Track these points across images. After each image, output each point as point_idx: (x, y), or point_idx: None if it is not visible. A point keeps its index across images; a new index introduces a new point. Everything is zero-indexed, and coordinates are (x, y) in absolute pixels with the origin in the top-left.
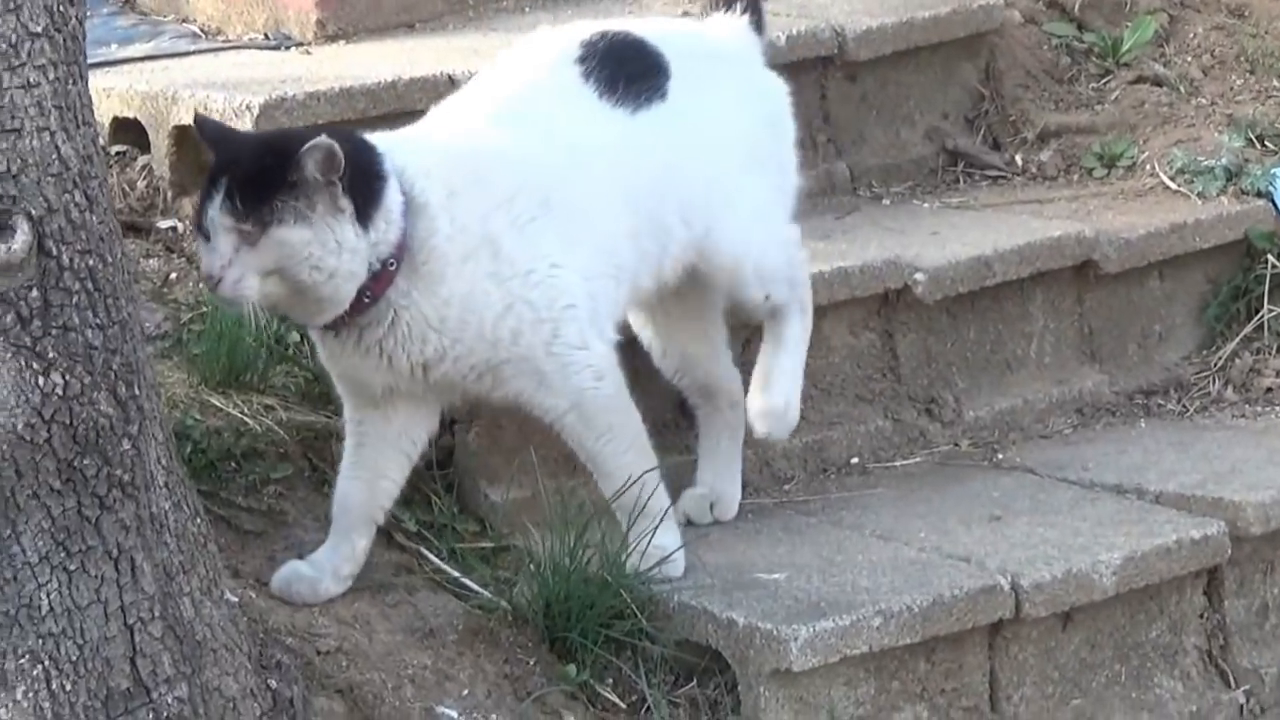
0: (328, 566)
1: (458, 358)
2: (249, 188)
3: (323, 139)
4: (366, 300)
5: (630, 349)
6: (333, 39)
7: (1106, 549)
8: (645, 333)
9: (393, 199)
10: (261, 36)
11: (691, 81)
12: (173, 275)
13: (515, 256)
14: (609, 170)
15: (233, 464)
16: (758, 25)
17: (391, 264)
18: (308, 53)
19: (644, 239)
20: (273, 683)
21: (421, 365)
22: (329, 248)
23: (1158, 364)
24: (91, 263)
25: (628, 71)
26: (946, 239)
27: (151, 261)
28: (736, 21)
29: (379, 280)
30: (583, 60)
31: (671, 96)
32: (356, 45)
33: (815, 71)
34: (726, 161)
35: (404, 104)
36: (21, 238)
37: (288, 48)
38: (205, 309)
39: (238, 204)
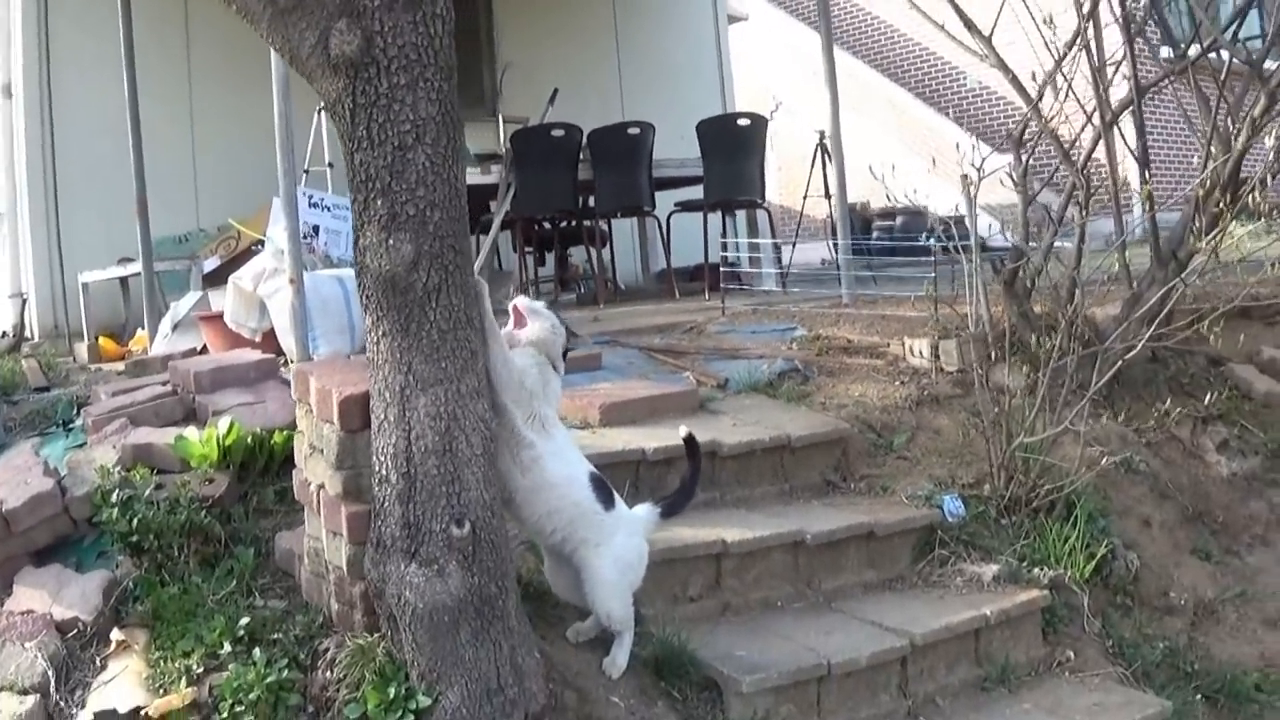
0: None
1: None
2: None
3: (563, 329)
4: None
5: None
6: (607, 425)
7: None
8: None
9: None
10: (578, 424)
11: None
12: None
13: None
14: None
15: None
16: (668, 512)
17: None
18: (593, 431)
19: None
20: None
21: None
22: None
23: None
24: None
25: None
26: (826, 521)
27: None
28: (650, 511)
29: None
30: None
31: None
32: (619, 430)
33: (778, 451)
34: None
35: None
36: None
37: (587, 428)
38: None
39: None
